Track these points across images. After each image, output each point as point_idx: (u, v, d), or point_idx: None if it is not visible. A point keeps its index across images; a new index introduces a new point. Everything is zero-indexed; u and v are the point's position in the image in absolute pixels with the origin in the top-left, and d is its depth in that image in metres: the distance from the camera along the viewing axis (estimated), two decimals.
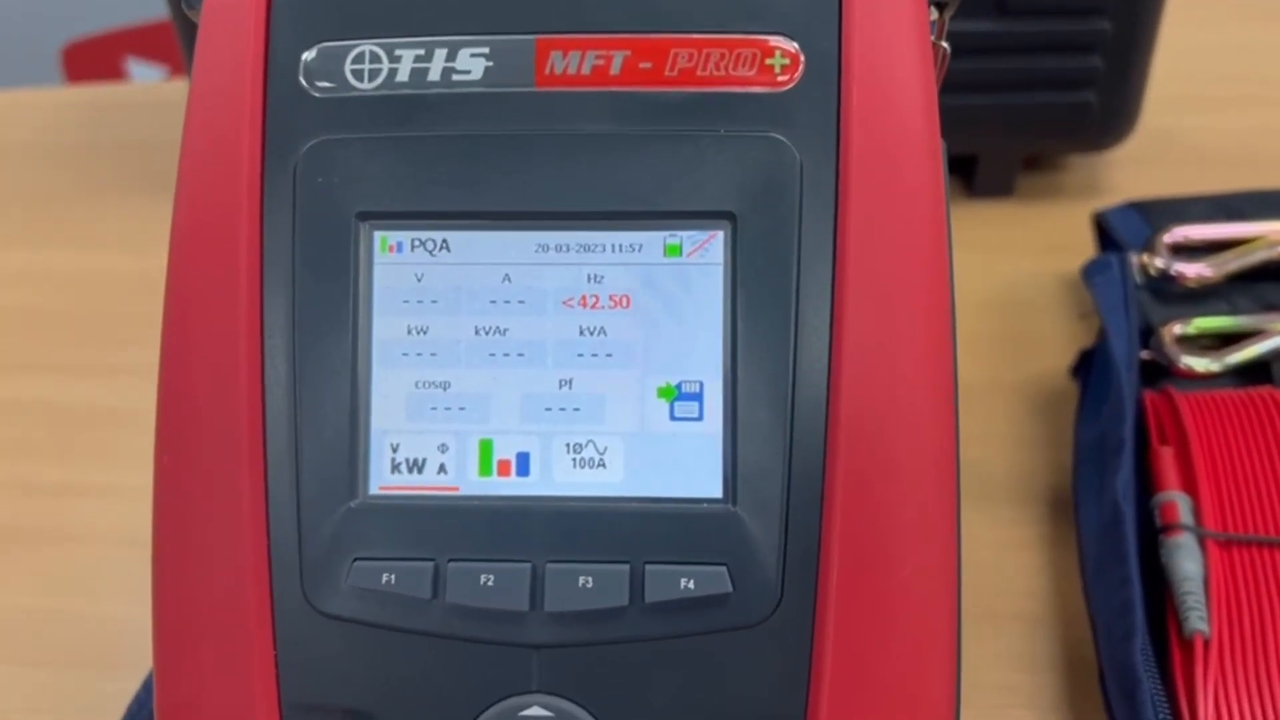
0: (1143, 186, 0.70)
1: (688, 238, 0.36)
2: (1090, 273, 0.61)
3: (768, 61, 0.36)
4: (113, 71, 1.66)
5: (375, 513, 0.35)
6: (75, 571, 0.59)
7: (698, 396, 0.36)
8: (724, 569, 0.34)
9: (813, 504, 0.34)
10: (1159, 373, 0.58)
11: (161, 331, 0.37)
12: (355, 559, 0.34)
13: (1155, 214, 0.65)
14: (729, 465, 0.35)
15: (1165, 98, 0.74)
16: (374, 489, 0.36)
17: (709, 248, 0.36)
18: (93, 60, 1.65)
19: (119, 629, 0.56)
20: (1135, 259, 0.61)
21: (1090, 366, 0.59)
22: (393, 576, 0.34)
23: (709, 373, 0.35)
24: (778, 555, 0.34)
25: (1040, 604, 0.53)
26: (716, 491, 0.35)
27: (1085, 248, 0.68)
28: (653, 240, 0.36)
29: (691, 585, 0.34)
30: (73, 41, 1.65)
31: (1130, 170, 0.80)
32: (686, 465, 0.35)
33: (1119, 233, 0.64)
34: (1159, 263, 0.61)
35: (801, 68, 0.35)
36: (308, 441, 0.35)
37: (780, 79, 0.36)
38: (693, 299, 0.35)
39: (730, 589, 0.34)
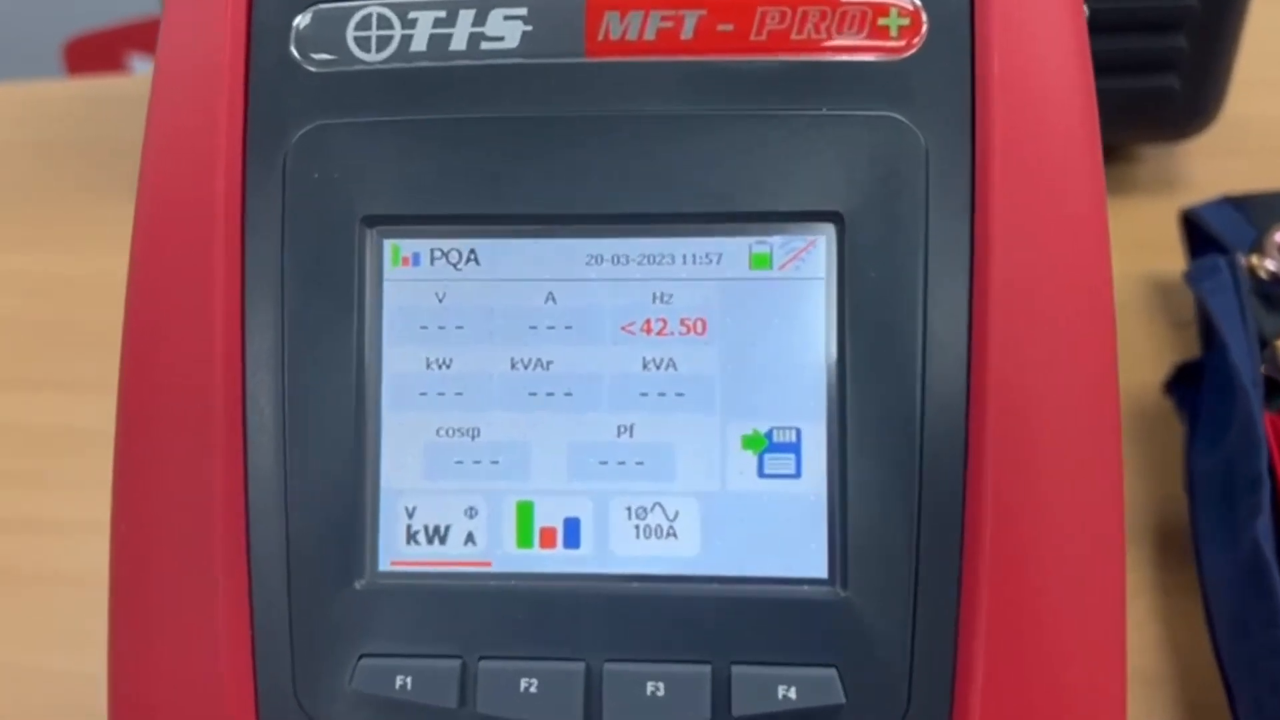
0: (1223, 180, 0.63)
1: (780, 245, 0.30)
2: (1197, 276, 0.53)
3: (881, 22, 0.30)
4: (115, 67, 1.62)
5: (386, 595, 0.30)
6: (55, 619, 0.52)
7: (794, 448, 0.30)
8: (833, 672, 0.28)
9: (947, 586, 0.29)
10: (1270, 390, 0.51)
11: (120, 367, 0.31)
12: (361, 655, 0.29)
13: (1256, 210, 0.58)
14: (837, 536, 0.29)
15: (1240, 82, 0.67)
16: (385, 565, 0.30)
17: (808, 257, 0.30)
18: (94, 55, 1.61)
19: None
20: (1243, 261, 0.54)
21: (1195, 383, 0.52)
22: (409, 679, 0.29)
23: (809, 417, 0.30)
24: (904, 654, 0.28)
25: (1157, 660, 0.46)
26: (821, 570, 0.29)
27: (1169, 247, 0.61)
28: (735, 249, 0.30)
29: (793, 694, 0.28)
30: (74, 37, 1.61)
31: (1207, 162, 0.73)
32: (781, 536, 0.30)
33: (1217, 231, 0.57)
34: (1270, 265, 0.54)
35: (924, 30, 0.30)
36: (301, 504, 0.30)
37: (897, 44, 0.30)
38: (787, 323, 0.30)
39: (843, 699, 0.28)
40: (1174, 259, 0.59)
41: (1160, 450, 0.54)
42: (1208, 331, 0.53)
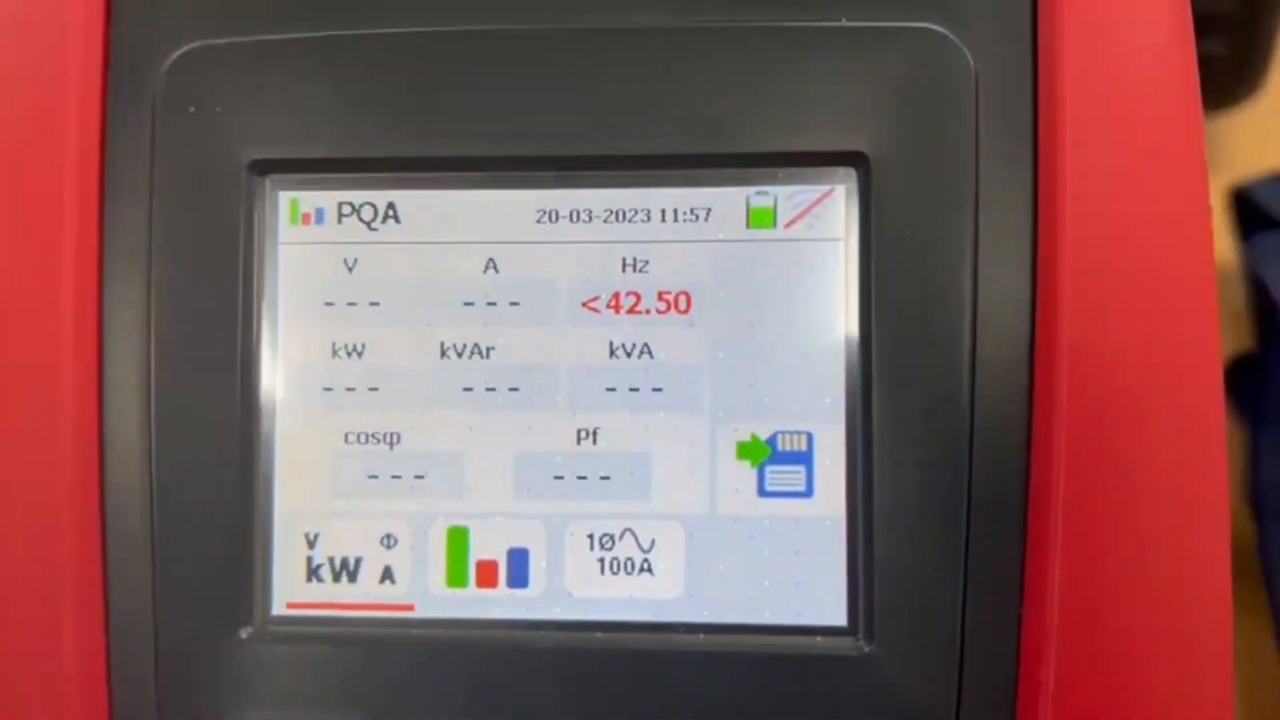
0: (1271, 154, 0.61)
1: (787, 196, 0.26)
2: (1257, 257, 0.51)
3: None
4: None
5: (280, 647, 0.26)
6: None
7: (805, 458, 0.26)
8: None
9: (1003, 640, 0.25)
10: None
11: None
12: None
13: None
14: (860, 574, 0.25)
15: None
16: (278, 608, 0.27)
17: (822, 212, 0.26)
18: None
19: None
20: None
21: (1253, 380, 0.50)
22: None
23: (823, 418, 0.26)
24: None
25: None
26: (839, 617, 0.25)
27: (1215, 230, 0.57)
28: (729, 202, 0.26)
29: None
30: None
31: (1253, 135, 0.70)
32: (788, 573, 0.26)
33: (1275, 208, 0.54)
34: None
35: None
36: (171, 533, 0.26)
37: None
38: (795, 297, 0.26)
39: None
40: (1219, 242, 0.55)
41: None
42: (1266, 321, 0.50)
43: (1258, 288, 0.51)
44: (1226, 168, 0.63)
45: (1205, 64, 0.64)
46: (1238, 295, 0.53)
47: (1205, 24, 0.63)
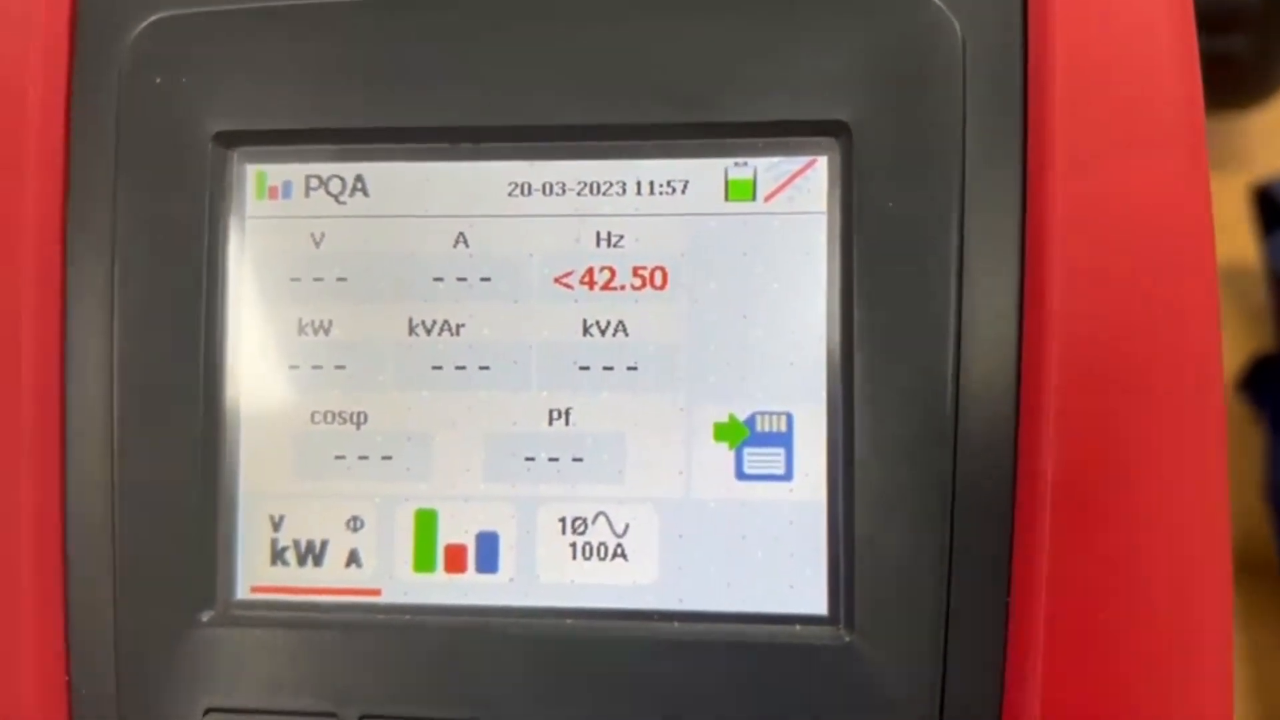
0: None
1: (767, 168, 0.25)
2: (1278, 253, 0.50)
3: None
4: None
5: (243, 632, 0.26)
6: None
7: (784, 440, 0.25)
8: None
9: (989, 629, 0.23)
10: None
11: None
12: (208, 710, 0.25)
13: None
14: (840, 560, 0.24)
15: None
16: (242, 591, 0.26)
17: (803, 184, 0.25)
18: None
19: None
20: None
21: (1274, 380, 0.50)
22: None
23: (803, 398, 0.25)
24: (927, 717, 0.23)
25: (1236, 697, 0.42)
26: (819, 605, 0.24)
27: (1235, 228, 0.58)
28: (706, 173, 0.25)
29: None
30: None
31: (1270, 134, 0.70)
32: (766, 559, 0.25)
33: None
34: None
35: None
36: (133, 513, 0.26)
37: None
38: (775, 272, 0.25)
39: None
40: (1241, 241, 0.55)
41: (1235, 459, 0.51)
42: None
43: (1278, 285, 0.50)
44: (1249, 166, 0.62)
45: (1227, 62, 0.63)
46: (1260, 293, 0.53)
47: (1227, 21, 0.62)
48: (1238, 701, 0.44)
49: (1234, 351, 0.54)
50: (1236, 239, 0.57)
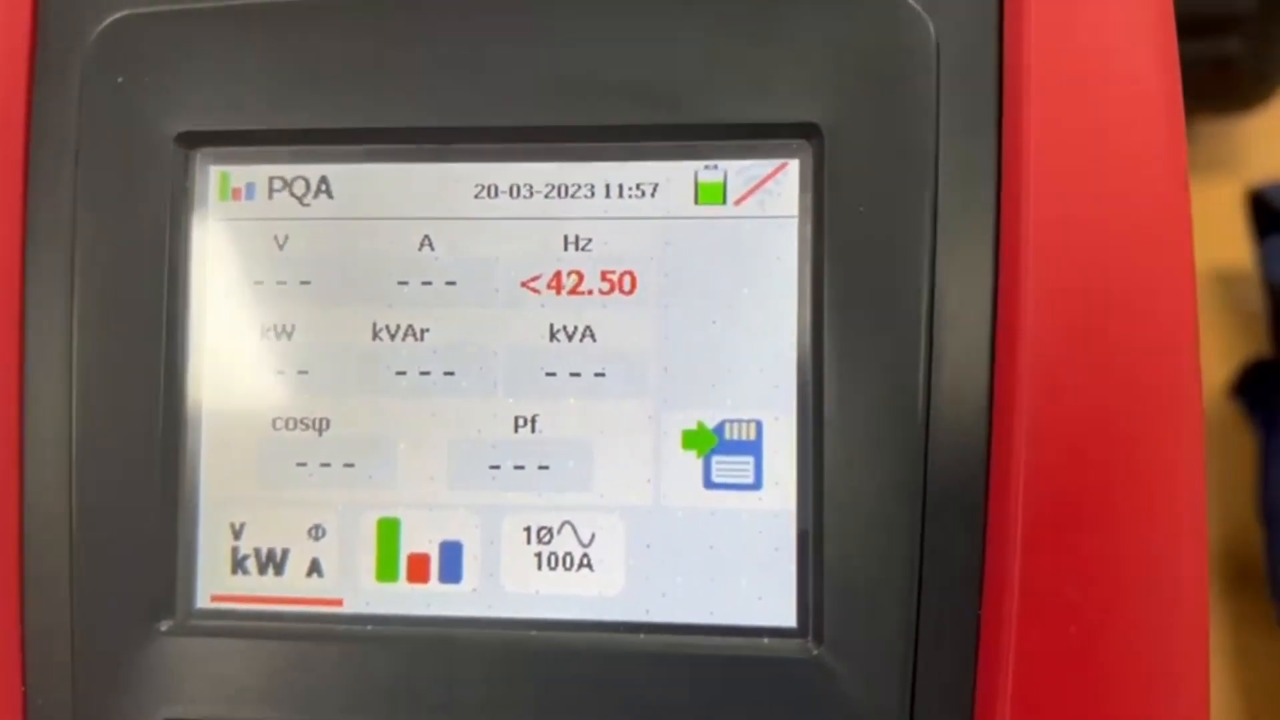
0: None
1: (738, 171, 0.25)
2: (1272, 257, 0.50)
3: None
4: None
5: (202, 642, 0.25)
6: None
7: (754, 448, 0.24)
8: None
9: (960, 642, 0.23)
10: None
11: None
12: None
13: None
14: (810, 571, 0.24)
15: None
16: (202, 600, 0.25)
17: (774, 187, 0.24)
18: None
19: None
20: None
21: (1267, 385, 0.49)
22: None
23: (773, 406, 0.24)
24: None
25: (1225, 710, 0.44)
26: (788, 617, 0.24)
27: (1228, 232, 0.57)
28: (676, 176, 0.25)
29: None
30: None
31: (1270, 139, 0.69)
32: (734, 569, 0.24)
33: None
34: None
35: None
36: (92, 520, 0.25)
37: None
38: (745, 277, 0.24)
39: None
40: (1234, 246, 0.55)
41: (1225, 464, 0.50)
42: None
43: (1273, 291, 0.50)
44: (1245, 170, 0.62)
45: (1223, 66, 0.63)
46: (1254, 297, 0.52)
47: (1223, 25, 0.61)
48: (1223, 709, 0.44)
49: (1228, 356, 0.53)
50: (1236, 243, 0.56)
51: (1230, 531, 0.48)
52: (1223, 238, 0.58)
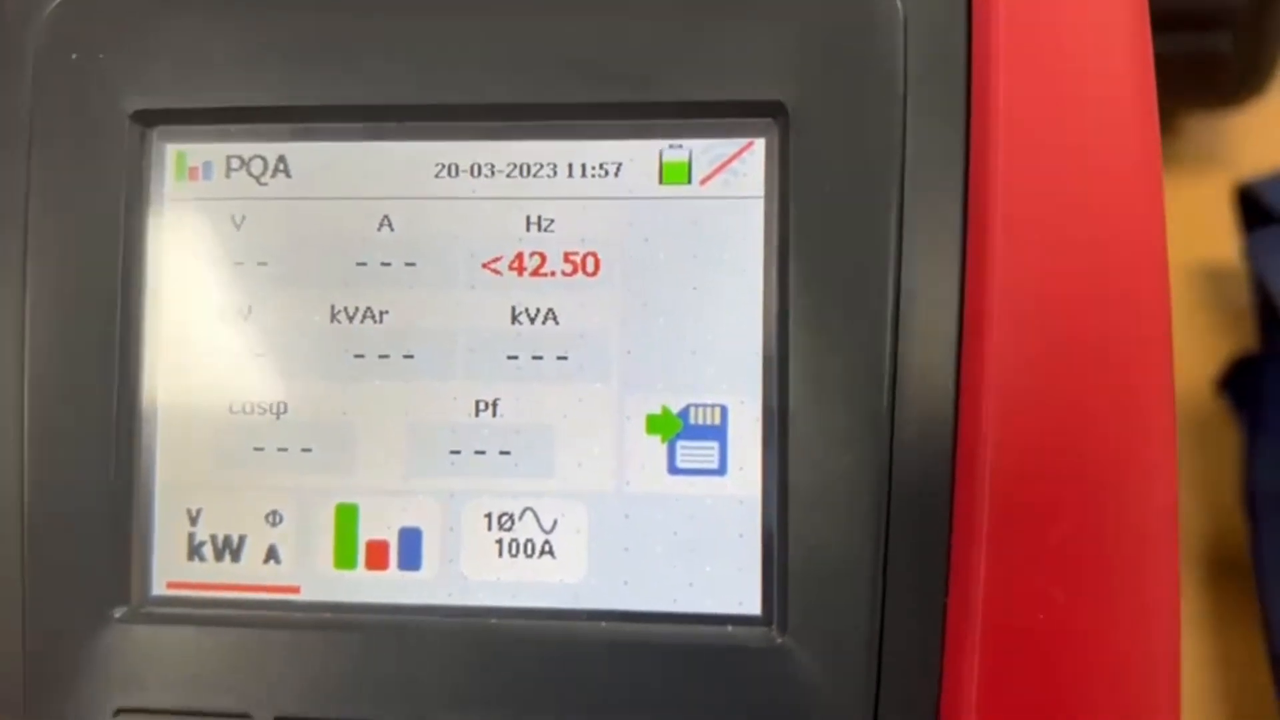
0: (1275, 153, 0.59)
1: (703, 150, 0.24)
2: (1259, 250, 0.49)
3: None
4: None
5: (156, 630, 0.24)
6: None
7: (718, 433, 0.24)
8: None
9: (926, 630, 0.23)
10: None
11: None
12: (118, 710, 0.24)
13: None
14: (774, 558, 0.23)
15: None
16: (158, 588, 0.25)
17: (740, 167, 0.24)
18: None
19: None
20: None
21: (1253, 381, 0.48)
22: None
23: (738, 391, 0.24)
24: (863, 719, 0.22)
25: (1208, 706, 0.43)
26: (752, 605, 0.24)
27: (1216, 228, 0.57)
28: (640, 155, 0.24)
29: None
30: None
31: (1259, 135, 0.69)
32: (698, 556, 0.24)
33: None
34: None
35: None
36: (44, 506, 0.25)
37: None
38: (710, 259, 0.24)
39: None
40: (1222, 241, 0.54)
41: (1212, 459, 0.50)
42: (1268, 319, 0.49)
43: (1259, 286, 0.49)
44: (1233, 166, 0.61)
45: (1212, 61, 0.63)
46: (1241, 293, 0.52)
47: (1212, 20, 0.61)
48: (1208, 706, 0.44)
49: (1215, 351, 0.53)
50: (1224, 238, 0.57)
51: (1215, 528, 0.48)
52: (1212, 233, 0.58)
